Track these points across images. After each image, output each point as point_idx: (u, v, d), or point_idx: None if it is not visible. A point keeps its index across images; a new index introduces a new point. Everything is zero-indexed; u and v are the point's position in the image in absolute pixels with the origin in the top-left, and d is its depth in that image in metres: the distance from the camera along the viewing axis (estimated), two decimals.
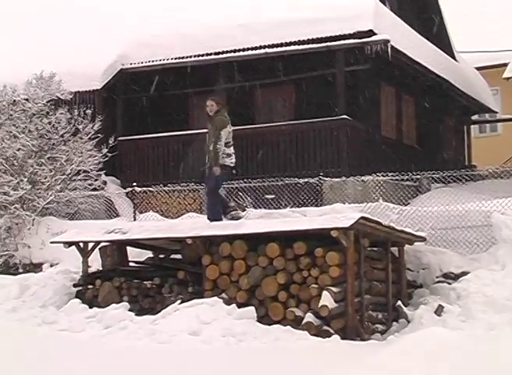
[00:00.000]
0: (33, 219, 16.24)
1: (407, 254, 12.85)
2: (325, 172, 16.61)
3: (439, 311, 11.53)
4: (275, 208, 15.65)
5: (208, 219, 12.74)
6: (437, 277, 12.91)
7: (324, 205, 15.85)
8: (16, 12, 22.27)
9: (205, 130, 18.34)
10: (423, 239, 12.98)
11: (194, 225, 12.43)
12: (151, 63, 19.00)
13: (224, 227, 11.81)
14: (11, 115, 16.92)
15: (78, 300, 12.19)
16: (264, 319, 10.83)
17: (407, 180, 16.33)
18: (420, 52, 19.32)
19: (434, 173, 15.51)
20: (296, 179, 16.38)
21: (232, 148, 12.85)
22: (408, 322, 11.58)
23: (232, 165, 12.82)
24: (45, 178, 16.56)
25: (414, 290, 12.85)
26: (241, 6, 18.89)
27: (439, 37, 23.30)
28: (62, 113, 16.93)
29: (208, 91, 19.36)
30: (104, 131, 17.59)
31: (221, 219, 12.78)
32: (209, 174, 12.68)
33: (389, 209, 14.04)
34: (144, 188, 17.30)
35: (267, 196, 16.64)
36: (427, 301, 12.07)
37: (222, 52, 18.25)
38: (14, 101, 17.15)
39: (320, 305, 10.49)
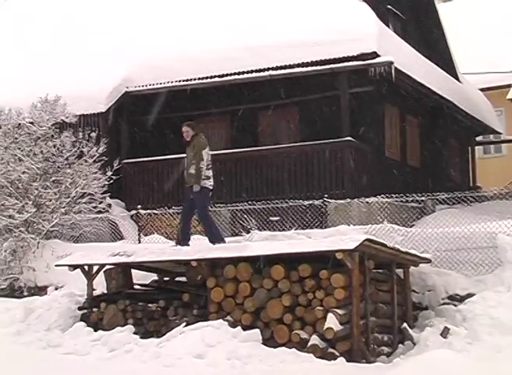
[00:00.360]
0: (38, 242, 16.21)
1: (413, 276, 12.78)
2: (330, 194, 16.55)
3: (444, 333, 11.44)
4: (279, 230, 15.61)
5: (211, 242, 12.87)
6: (442, 299, 12.83)
7: (328, 226, 15.77)
8: (21, 35, 22.35)
9: (213, 152, 18.49)
10: (428, 261, 12.90)
11: (199, 247, 12.42)
12: (155, 86, 19.05)
13: (228, 250, 11.77)
14: (16, 138, 16.90)
15: (83, 323, 12.13)
16: (269, 341, 10.76)
17: (412, 201, 16.21)
18: (424, 74, 19.29)
19: (438, 195, 15.47)
20: (301, 201, 16.34)
21: (211, 170, 13.14)
22: (414, 344, 11.49)
23: (211, 187, 13.12)
24: (50, 201, 16.54)
25: (420, 312, 12.76)
26: (245, 29, 18.91)
27: (443, 59, 23.27)
28: (66, 136, 16.92)
29: (212, 114, 19.50)
30: (108, 154, 17.58)
31: (222, 238, 12.95)
32: (191, 197, 12.93)
33: (393, 231, 13.98)
34: (149, 211, 17.28)
35: (271, 218, 16.61)
36: (432, 324, 11.97)
37: (226, 75, 18.26)
38: (19, 124, 17.15)
39: (325, 327, 10.41)
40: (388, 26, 19.84)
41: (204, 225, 13.17)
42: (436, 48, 23.41)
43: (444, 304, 12.71)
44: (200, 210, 13.12)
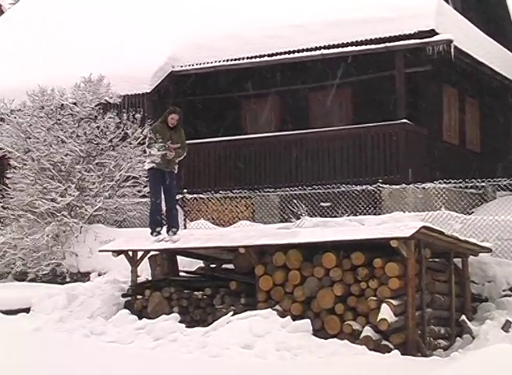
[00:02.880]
0: (81, 227, 16.18)
1: (472, 266, 12.56)
2: (384, 178, 16.33)
3: (506, 327, 11.22)
4: (331, 216, 15.45)
5: (175, 226, 12.93)
6: (504, 291, 12.61)
7: (383, 213, 15.57)
8: (65, 13, 22.44)
9: (260, 135, 18.38)
10: (488, 250, 12.67)
11: (247, 234, 12.33)
12: (202, 66, 18.88)
13: (278, 236, 11.67)
14: (59, 119, 16.82)
15: (127, 311, 12.11)
16: (320, 332, 10.63)
17: (471, 187, 16.24)
18: (485, 53, 19.02)
19: (500, 180, 15.22)
20: (354, 186, 16.16)
21: None
22: (473, 338, 11.30)
23: None
24: (93, 184, 16.50)
25: (479, 304, 12.57)
26: (296, 6, 18.64)
27: (506, 37, 22.98)
28: (110, 117, 16.78)
29: (261, 95, 19.28)
30: None
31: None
32: (171, 180, 13.04)
33: (452, 218, 13.73)
34: (195, 195, 17.22)
35: (322, 204, 16.54)
36: (493, 316, 11.78)
37: (276, 54, 18.09)
38: (62, 105, 17.04)
39: (379, 318, 10.25)
40: (447, 2, 19.42)
41: (175, 209, 13.22)
42: (499, 26, 23.11)
43: (505, 296, 12.50)
44: (176, 194, 13.53)
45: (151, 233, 12.83)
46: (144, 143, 16.74)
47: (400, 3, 17.32)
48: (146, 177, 16.67)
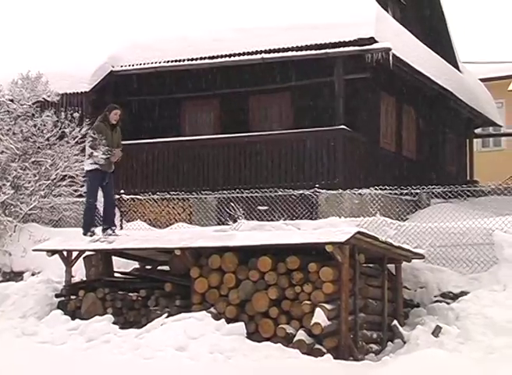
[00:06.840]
0: (15, 226, 15.92)
1: (404, 271, 12.61)
2: (321, 184, 16.37)
3: (436, 332, 11.27)
4: (267, 220, 15.38)
5: (114, 224, 13.02)
6: (435, 297, 12.67)
7: (319, 218, 15.65)
8: (2, 9, 22.01)
9: (199, 137, 18.36)
10: (421, 256, 12.73)
11: (183, 235, 12.24)
12: (142, 66, 18.71)
13: (214, 239, 11.63)
14: None
15: (60, 311, 12.04)
16: (253, 335, 10.65)
17: (406, 194, 16.19)
18: (423, 62, 19.13)
19: (434, 188, 15.31)
20: (291, 190, 16.10)
21: None
22: (404, 342, 11.33)
23: None
24: (29, 183, 16.27)
25: (411, 309, 12.61)
26: (238, 10, 18.65)
27: (443, 47, 23.18)
28: (48, 116, 16.63)
29: (202, 97, 19.22)
30: None
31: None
32: (110, 181, 13.09)
33: (386, 224, 13.78)
34: (132, 196, 17.03)
35: (259, 207, 16.44)
36: (424, 322, 11.81)
37: (217, 56, 17.98)
38: None
39: (312, 322, 10.28)
40: (387, 11, 19.64)
41: (114, 209, 13.32)
42: (437, 36, 23.29)
43: (436, 302, 12.55)
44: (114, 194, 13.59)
45: (85, 234, 12.73)
46: (81, 142, 16.69)
47: (340, 10, 17.37)
48: (83, 177, 16.61)
